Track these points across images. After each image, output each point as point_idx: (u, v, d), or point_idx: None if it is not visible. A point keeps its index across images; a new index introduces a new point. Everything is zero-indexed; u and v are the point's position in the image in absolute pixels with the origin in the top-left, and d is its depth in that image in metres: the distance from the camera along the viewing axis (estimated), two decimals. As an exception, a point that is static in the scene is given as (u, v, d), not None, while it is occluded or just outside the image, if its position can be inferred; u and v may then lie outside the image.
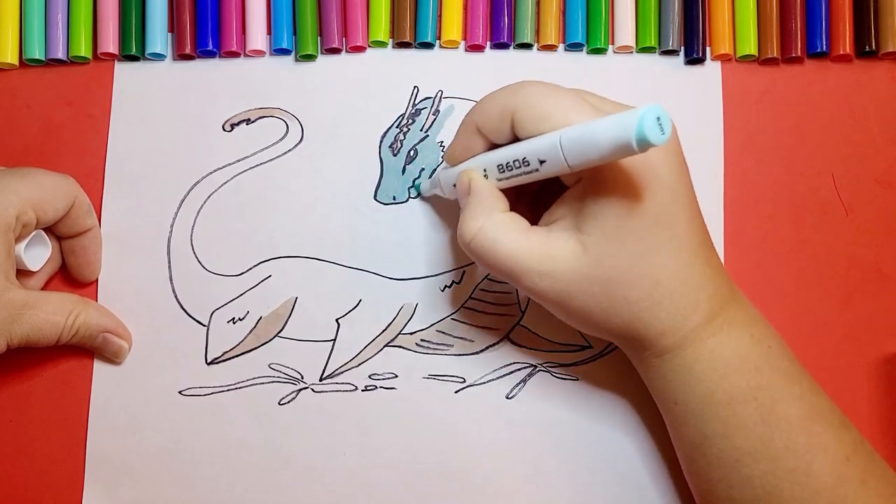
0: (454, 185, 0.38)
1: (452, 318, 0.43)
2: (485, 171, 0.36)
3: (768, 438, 0.34)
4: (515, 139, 0.35)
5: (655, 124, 0.28)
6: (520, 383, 0.43)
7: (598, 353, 0.43)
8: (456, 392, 0.43)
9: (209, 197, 0.44)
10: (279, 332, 0.43)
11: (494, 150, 0.36)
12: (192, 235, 0.44)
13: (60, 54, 0.44)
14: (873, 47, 0.44)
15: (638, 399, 0.42)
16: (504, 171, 0.35)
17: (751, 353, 0.35)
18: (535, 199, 0.40)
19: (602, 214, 0.33)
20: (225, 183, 0.44)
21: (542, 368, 0.43)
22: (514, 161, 0.34)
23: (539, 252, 0.34)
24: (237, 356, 0.43)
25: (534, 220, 0.36)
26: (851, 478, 0.34)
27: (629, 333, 0.35)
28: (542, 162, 0.33)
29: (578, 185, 0.35)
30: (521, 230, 0.35)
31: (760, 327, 0.36)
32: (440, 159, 0.44)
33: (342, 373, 0.43)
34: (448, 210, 0.44)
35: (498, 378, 0.43)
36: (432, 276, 0.43)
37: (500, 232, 0.34)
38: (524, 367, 0.43)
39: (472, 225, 0.35)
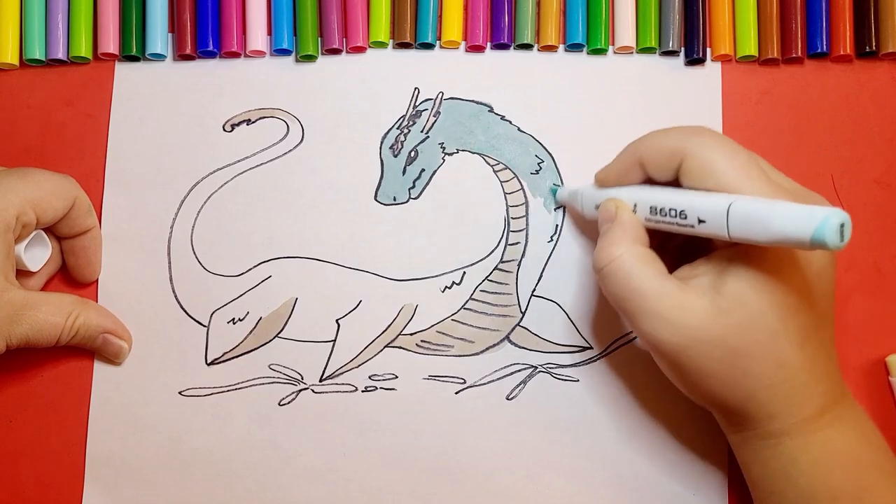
0: (596, 207, 0.37)
1: (453, 319, 0.43)
2: (635, 205, 0.35)
3: None
4: (677, 182, 0.34)
5: (837, 230, 0.27)
6: (520, 384, 0.43)
7: (598, 353, 0.43)
8: (456, 393, 0.43)
9: (209, 197, 0.44)
10: (279, 332, 0.43)
11: (650, 187, 0.35)
12: (192, 236, 0.44)
13: (61, 54, 0.44)
14: (873, 48, 0.44)
15: (638, 400, 0.42)
16: (655, 214, 0.34)
17: (858, 452, 0.34)
18: (678, 250, 0.39)
19: (747, 286, 0.32)
20: (225, 183, 0.44)
21: (543, 369, 0.43)
22: (670, 209, 0.33)
23: (671, 299, 0.33)
24: (237, 357, 0.43)
25: (670, 269, 0.35)
26: None
27: (739, 408, 0.34)
28: (701, 221, 0.32)
29: (730, 248, 0.34)
30: (659, 271, 0.34)
31: (869, 426, 0.35)
32: (441, 159, 0.44)
33: (342, 373, 0.43)
34: (448, 212, 0.44)
35: (498, 379, 0.43)
36: (432, 276, 0.43)
37: (638, 265, 0.34)
38: (524, 368, 0.43)
39: (612, 251, 0.34)
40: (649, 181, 0.36)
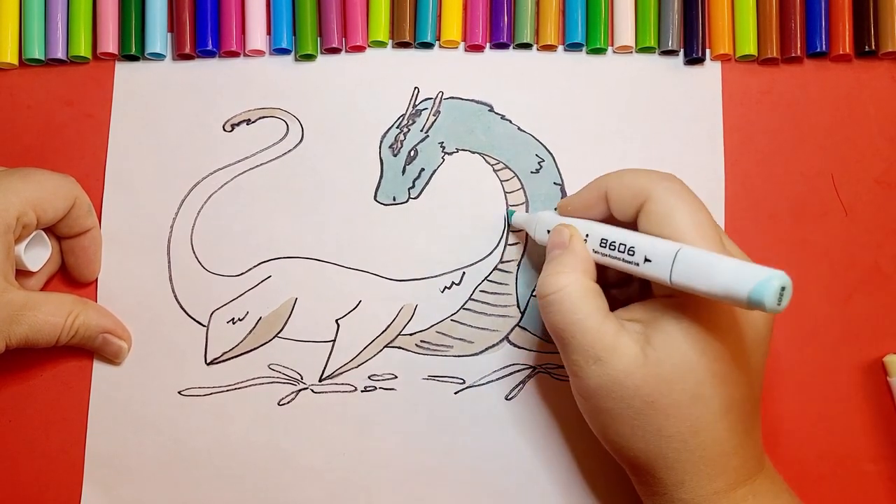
0: (548, 231, 0.37)
1: (452, 320, 0.43)
2: (587, 235, 0.35)
3: None
4: (634, 227, 0.34)
5: (777, 293, 0.27)
6: (519, 384, 0.43)
7: (597, 353, 0.43)
8: (455, 393, 0.43)
9: (209, 197, 0.44)
10: (279, 332, 0.43)
11: (605, 224, 0.35)
12: (192, 236, 0.44)
13: (60, 54, 0.44)
14: (873, 47, 0.44)
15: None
16: (605, 248, 0.34)
17: None
18: (615, 290, 0.39)
19: (677, 342, 0.32)
20: (225, 183, 0.44)
21: (542, 370, 0.43)
22: (620, 244, 0.33)
23: (606, 339, 0.33)
24: (237, 356, 0.43)
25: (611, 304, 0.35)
26: None
27: (647, 466, 0.34)
28: (647, 260, 0.32)
29: (668, 299, 0.34)
30: (601, 309, 0.34)
31: (785, 499, 0.35)
32: (441, 159, 0.44)
33: (342, 373, 0.43)
34: (448, 212, 0.44)
35: (497, 379, 0.43)
36: (432, 277, 0.43)
37: (584, 300, 0.33)
38: (524, 369, 0.43)
39: (559, 280, 0.34)
40: (609, 220, 0.36)
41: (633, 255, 0.32)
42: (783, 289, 0.27)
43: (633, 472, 0.36)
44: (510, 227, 0.43)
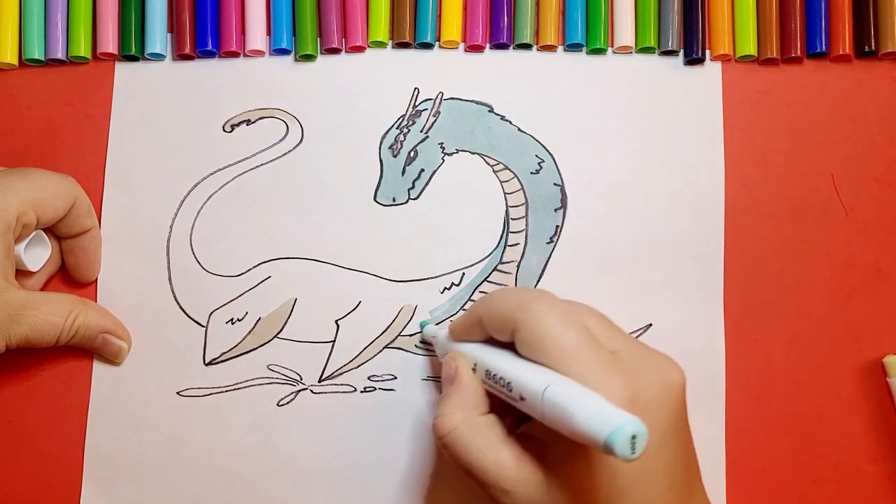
0: (446, 354, 0.38)
1: (452, 320, 0.43)
2: (475, 365, 0.35)
3: None
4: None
5: (628, 441, 0.27)
6: (519, 384, 0.42)
7: (597, 353, 0.43)
8: (455, 393, 0.43)
9: (209, 197, 0.44)
10: (278, 333, 0.43)
11: (492, 347, 0.35)
12: (191, 236, 0.44)
13: (60, 54, 0.44)
14: (873, 47, 0.44)
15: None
16: (490, 379, 0.34)
17: None
18: None
19: (577, 462, 0.32)
20: (225, 184, 0.44)
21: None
22: (500, 378, 0.33)
23: (507, 470, 0.32)
24: (236, 357, 0.43)
25: (518, 417, 0.35)
26: None
27: None
28: (522, 399, 0.31)
29: None
30: (495, 440, 0.33)
31: None
32: (441, 159, 0.44)
33: (341, 374, 0.43)
34: (448, 212, 0.44)
35: None
36: (431, 277, 0.43)
37: (474, 437, 0.33)
38: (523, 369, 0.43)
39: (448, 421, 0.34)
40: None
41: (511, 391, 0.32)
42: (634, 437, 0.27)
43: None
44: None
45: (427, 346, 0.43)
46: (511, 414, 0.35)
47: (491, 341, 0.36)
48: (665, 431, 0.32)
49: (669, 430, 0.32)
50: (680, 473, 0.33)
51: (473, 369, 0.35)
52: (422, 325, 0.43)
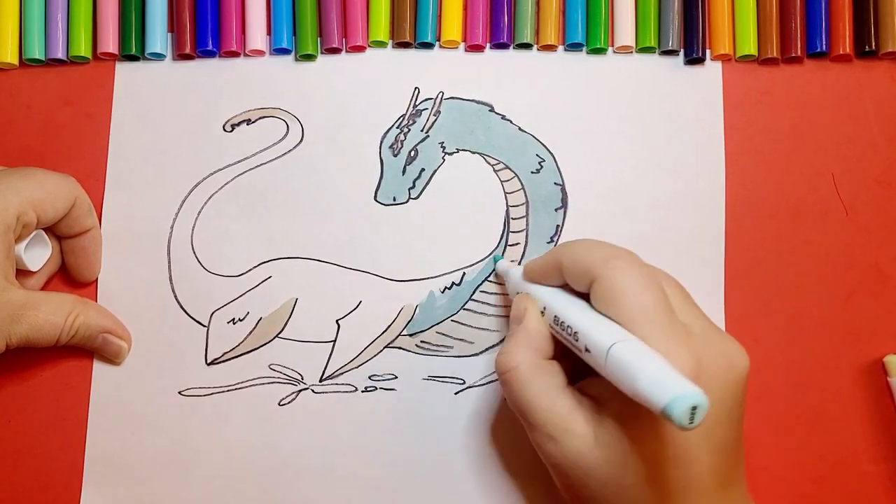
0: (517, 293, 0.38)
1: (452, 320, 0.43)
2: (544, 308, 0.35)
3: None
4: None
5: (688, 411, 0.27)
6: (519, 384, 0.42)
7: (597, 353, 0.43)
8: (456, 393, 0.43)
9: (210, 197, 0.44)
10: (279, 332, 0.43)
11: (565, 294, 0.35)
12: (192, 236, 0.44)
13: (60, 54, 0.44)
14: (873, 47, 0.44)
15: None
16: (557, 325, 0.34)
17: None
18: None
19: (627, 425, 0.32)
20: (226, 184, 0.44)
21: (542, 369, 0.43)
22: (568, 326, 0.33)
23: (559, 418, 0.33)
24: (237, 357, 0.43)
25: (577, 371, 0.35)
26: None
27: None
28: (587, 350, 0.32)
29: None
30: (554, 386, 0.34)
31: None
32: (441, 159, 0.44)
33: (342, 374, 0.43)
34: (448, 212, 0.44)
35: (498, 380, 0.42)
36: (432, 277, 0.43)
37: (534, 379, 0.34)
38: (524, 368, 0.43)
39: (511, 359, 0.34)
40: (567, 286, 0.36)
41: (577, 340, 0.32)
42: (695, 408, 0.27)
43: None
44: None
45: (426, 345, 0.43)
46: (570, 366, 0.35)
47: (565, 288, 0.36)
48: (720, 413, 0.32)
49: (724, 412, 0.32)
50: (725, 460, 0.33)
51: (542, 313, 0.36)
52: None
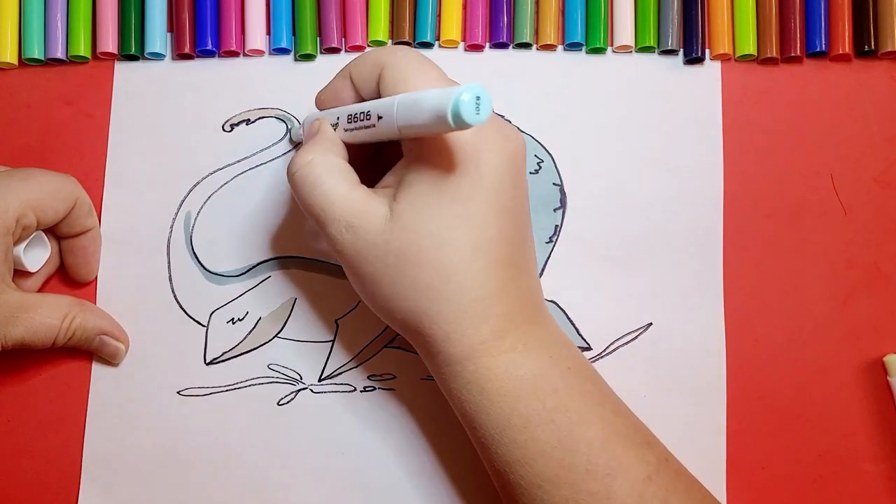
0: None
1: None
2: (337, 119, 0.36)
3: (568, 463, 0.32)
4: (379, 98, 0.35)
5: (473, 102, 0.28)
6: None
7: (596, 354, 0.43)
8: (455, 392, 0.43)
9: (209, 197, 0.44)
10: (278, 332, 0.43)
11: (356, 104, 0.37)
12: (191, 236, 0.44)
13: (60, 54, 0.44)
14: (872, 47, 0.44)
15: (636, 400, 0.42)
16: (352, 123, 0.35)
17: (547, 374, 0.33)
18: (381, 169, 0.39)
19: (415, 186, 0.33)
20: (225, 183, 0.44)
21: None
22: (359, 113, 0.34)
23: (354, 206, 0.34)
24: (236, 356, 0.43)
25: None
26: (653, 497, 0.32)
27: (416, 325, 0.34)
28: (379, 118, 0.33)
29: (410, 156, 0.34)
30: (348, 180, 0.35)
31: (561, 348, 0.35)
32: None
33: (341, 373, 0.43)
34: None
35: None
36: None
37: (327, 172, 0.34)
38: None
39: (304, 157, 0.35)
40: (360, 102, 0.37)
41: (370, 118, 0.34)
42: (478, 98, 0.28)
43: (409, 337, 0.36)
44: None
45: None
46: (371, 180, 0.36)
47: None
48: (503, 179, 0.33)
49: (508, 179, 0.34)
50: (514, 230, 0.34)
51: (334, 126, 0.36)
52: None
